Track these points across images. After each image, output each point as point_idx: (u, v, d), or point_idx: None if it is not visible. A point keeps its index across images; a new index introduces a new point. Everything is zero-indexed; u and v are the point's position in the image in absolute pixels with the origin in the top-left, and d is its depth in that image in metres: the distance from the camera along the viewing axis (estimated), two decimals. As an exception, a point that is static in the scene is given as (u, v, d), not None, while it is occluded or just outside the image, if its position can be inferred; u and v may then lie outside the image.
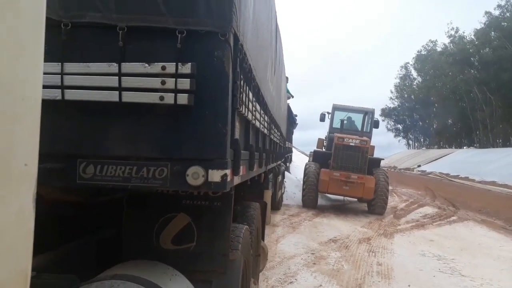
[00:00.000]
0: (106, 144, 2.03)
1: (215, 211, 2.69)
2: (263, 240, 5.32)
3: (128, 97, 1.94)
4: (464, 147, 61.84)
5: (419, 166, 50.54)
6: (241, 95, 2.38)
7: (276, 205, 11.71)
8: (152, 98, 1.94)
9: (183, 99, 1.93)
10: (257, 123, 3.51)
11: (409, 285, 6.04)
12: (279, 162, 10.45)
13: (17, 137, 0.89)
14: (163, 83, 1.94)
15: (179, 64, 1.94)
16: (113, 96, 1.94)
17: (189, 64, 1.94)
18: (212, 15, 2.00)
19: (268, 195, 6.81)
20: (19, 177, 0.89)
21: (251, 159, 3.13)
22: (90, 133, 2.04)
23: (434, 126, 76.13)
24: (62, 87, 1.96)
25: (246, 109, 2.67)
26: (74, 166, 2.01)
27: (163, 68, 1.94)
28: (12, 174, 0.86)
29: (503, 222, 13.21)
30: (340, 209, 14.01)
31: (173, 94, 1.93)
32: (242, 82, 2.42)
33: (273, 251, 7.39)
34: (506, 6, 47.57)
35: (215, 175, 1.97)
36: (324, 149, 15.46)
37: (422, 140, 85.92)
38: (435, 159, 52.17)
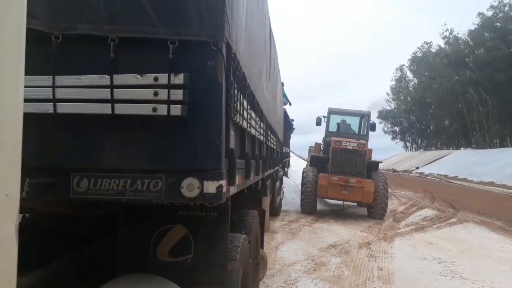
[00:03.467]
0: (99, 157, 2.01)
1: (212, 222, 2.66)
2: (262, 248, 5.28)
3: (120, 109, 1.92)
4: (462, 148, 61.95)
5: (417, 168, 50.59)
6: (235, 104, 2.36)
7: (275, 211, 11.66)
8: (145, 109, 1.92)
9: (176, 110, 1.91)
10: (253, 131, 3.49)
11: (410, 290, 6.00)
12: (276, 167, 10.43)
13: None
14: (155, 94, 1.91)
15: (172, 74, 1.91)
16: (105, 109, 1.91)
17: (182, 74, 1.91)
18: (204, 24, 1.97)
19: (266, 202, 6.77)
20: (0, 208, 0.85)
21: (247, 168, 3.10)
22: (83, 146, 2.01)
23: (431, 128, 76.30)
24: (54, 100, 1.93)
25: (241, 118, 2.65)
26: (68, 180, 1.98)
27: (156, 79, 1.92)
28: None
29: (503, 223, 13.20)
30: (339, 214, 13.97)
31: (166, 105, 1.90)
32: (236, 91, 2.41)
33: (272, 259, 7.34)
34: (499, 6, 47.93)
35: (211, 187, 1.95)
36: (321, 154, 15.43)
37: (419, 142, 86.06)
38: (433, 161, 52.25)
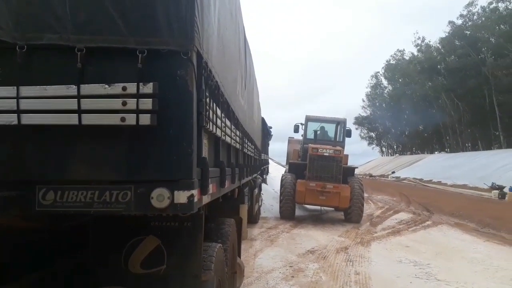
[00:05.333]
0: (66, 169, 1.96)
1: (185, 232, 2.63)
2: (239, 257, 5.25)
3: (88, 119, 1.89)
4: (436, 152, 63.47)
5: (393, 172, 51.46)
6: (208, 112, 2.35)
7: (254, 218, 11.63)
8: (113, 119, 1.89)
9: (145, 119, 1.88)
10: (228, 139, 3.48)
11: (387, 293, 6.06)
12: (254, 175, 10.42)
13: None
14: (124, 104, 1.89)
15: (141, 84, 1.90)
16: (72, 119, 1.88)
17: (151, 84, 1.90)
18: (173, 34, 1.97)
19: (244, 209, 6.75)
20: None
21: (222, 176, 3.09)
22: (50, 158, 1.97)
23: (406, 133, 77.84)
24: (18, 111, 1.88)
25: (214, 126, 2.64)
26: (33, 193, 1.93)
27: (124, 88, 1.90)
28: None
29: (475, 224, 13.54)
30: (317, 219, 14.05)
31: (135, 114, 1.88)
32: (208, 99, 2.40)
33: (250, 266, 7.30)
34: (468, 15, 49.51)
35: (181, 197, 1.93)
36: (299, 160, 15.52)
37: (395, 147, 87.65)
38: (409, 165, 53.26)
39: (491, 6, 46.94)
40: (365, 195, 22.41)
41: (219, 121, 2.84)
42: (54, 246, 3.02)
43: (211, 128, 2.49)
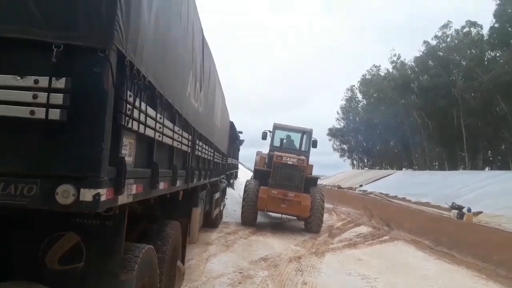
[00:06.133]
0: None
1: (106, 231, 2.61)
2: (183, 260, 5.22)
3: (-4, 110, 1.85)
4: (404, 169, 64.84)
5: (360, 185, 52.22)
6: (131, 112, 2.34)
7: (213, 223, 11.57)
8: (22, 112, 1.87)
9: (54, 114, 1.87)
10: (167, 140, 3.46)
11: (329, 304, 6.14)
12: (215, 179, 10.39)
13: None
14: (34, 97, 1.87)
15: (53, 78, 1.88)
16: (-21, 109, 1.84)
17: (64, 79, 1.89)
18: (92, 30, 1.96)
19: (196, 213, 6.69)
20: None
21: (153, 177, 3.07)
22: None
23: (377, 148, 79.30)
24: None
25: (143, 126, 2.63)
26: None
27: (36, 81, 1.88)
28: None
29: (430, 242, 13.89)
30: (278, 227, 14.12)
31: (45, 109, 1.86)
32: (135, 99, 2.39)
33: (200, 270, 7.27)
34: (442, 37, 51.05)
35: (87, 194, 1.91)
36: (265, 167, 15.59)
37: (365, 160, 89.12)
38: (376, 179, 54.21)
39: (464, 30, 48.58)
40: (330, 206, 22.70)
41: (151, 121, 2.82)
42: None
43: (136, 128, 2.48)
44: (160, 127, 3.14)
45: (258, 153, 20.48)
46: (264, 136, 16.34)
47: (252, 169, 18.18)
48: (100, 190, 1.94)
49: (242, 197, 14.65)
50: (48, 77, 1.88)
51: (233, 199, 18.54)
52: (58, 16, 1.95)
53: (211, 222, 11.11)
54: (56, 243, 2.56)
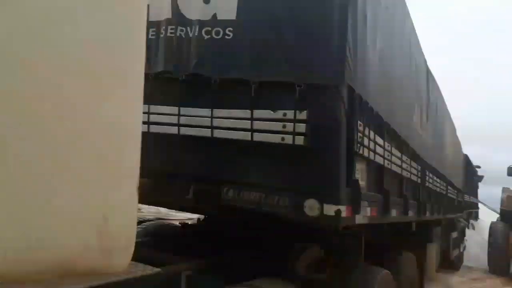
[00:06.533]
0: (243, 172, 2.49)
1: (346, 249, 2.87)
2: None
3: (258, 137, 2.39)
4: None
5: None
6: (362, 139, 2.56)
7: (452, 264, 10.49)
8: (275, 138, 2.35)
9: (299, 140, 2.28)
10: (396, 168, 3.53)
11: None
12: (452, 216, 9.55)
13: (126, 147, 1.46)
14: (283, 126, 2.33)
15: (297, 111, 2.30)
16: (246, 136, 2.41)
17: (305, 111, 2.29)
18: (327, 71, 2.34)
19: (431, 248, 6.31)
20: (127, 173, 1.45)
21: (385, 203, 3.17)
22: (230, 162, 2.53)
23: None
24: (212, 127, 2.50)
25: (373, 153, 2.81)
26: (219, 190, 2.49)
27: (284, 114, 2.35)
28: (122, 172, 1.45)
29: None
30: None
31: (292, 136, 2.28)
32: (364, 127, 2.61)
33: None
34: None
35: (330, 209, 2.20)
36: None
37: None
38: None
39: None
40: None
41: (380, 149, 2.98)
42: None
43: (367, 154, 2.69)
44: (388, 155, 3.26)
45: (504, 190, 17.63)
46: (510, 172, 14.11)
47: (497, 209, 15.80)
48: (341, 207, 2.20)
49: (486, 240, 12.86)
50: (293, 110, 2.29)
51: (476, 242, 16.42)
52: (299, 61, 2.39)
53: (450, 263, 10.12)
54: (304, 252, 2.91)
